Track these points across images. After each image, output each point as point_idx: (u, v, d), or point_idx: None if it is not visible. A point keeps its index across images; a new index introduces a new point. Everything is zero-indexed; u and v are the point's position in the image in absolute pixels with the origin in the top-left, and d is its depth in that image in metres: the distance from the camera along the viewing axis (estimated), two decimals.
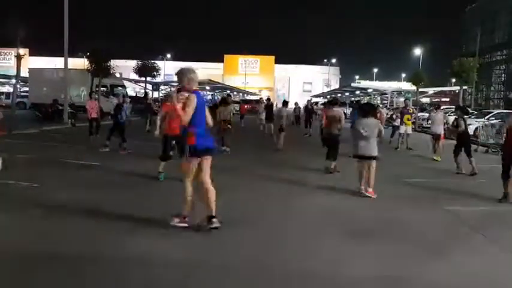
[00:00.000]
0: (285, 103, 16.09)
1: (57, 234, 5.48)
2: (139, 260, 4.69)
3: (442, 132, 13.90)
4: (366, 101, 40.82)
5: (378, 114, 20.97)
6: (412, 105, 24.23)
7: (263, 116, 15.11)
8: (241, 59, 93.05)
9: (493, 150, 15.49)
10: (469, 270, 4.80)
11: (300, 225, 6.25)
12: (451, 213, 7.13)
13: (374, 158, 8.18)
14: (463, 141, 10.99)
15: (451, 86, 54.11)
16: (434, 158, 13.37)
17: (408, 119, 16.46)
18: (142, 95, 34.11)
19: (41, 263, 4.58)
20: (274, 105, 23.97)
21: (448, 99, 64.02)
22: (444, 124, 14.26)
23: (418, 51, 60.24)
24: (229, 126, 13.63)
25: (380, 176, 10.31)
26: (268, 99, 23.52)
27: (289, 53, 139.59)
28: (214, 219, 5.57)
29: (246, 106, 39.65)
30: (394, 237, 5.77)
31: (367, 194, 8.01)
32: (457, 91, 35.97)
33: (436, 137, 13.88)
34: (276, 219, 6.52)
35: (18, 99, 31.68)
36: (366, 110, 8.76)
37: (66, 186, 8.10)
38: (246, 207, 7.05)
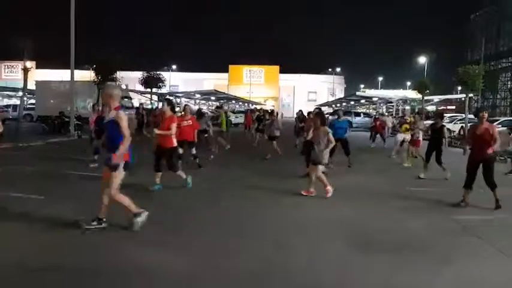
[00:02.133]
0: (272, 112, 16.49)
1: (60, 246, 5.48)
2: (141, 272, 4.66)
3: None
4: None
5: (378, 123, 20.89)
6: (416, 113, 24.14)
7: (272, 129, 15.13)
8: (246, 69, 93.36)
9: (500, 158, 15.38)
10: (477, 280, 4.74)
11: (303, 236, 6.21)
12: (458, 223, 7.06)
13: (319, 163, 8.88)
14: (435, 147, 11.27)
15: (456, 93, 54.01)
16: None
17: (406, 128, 16.53)
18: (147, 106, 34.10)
19: (44, 275, 4.57)
20: (279, 115, 23.72)
21: (454, 107, 63.84)
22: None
23: (422, 60, 60.28)
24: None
25: (385, 184, 10.32)
26: (272, 111, 23.13)
27: (293, 62, 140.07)
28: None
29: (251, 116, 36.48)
30: (401, 247, 5.71)
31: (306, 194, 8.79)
32: (462, 99, 35.82)
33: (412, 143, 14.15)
34: (275, 229, 6.49)
35: (25, 112, 31.86)
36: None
37: (71, 198, 8.09)
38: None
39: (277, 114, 16.98)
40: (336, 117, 14.16)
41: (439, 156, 11.32)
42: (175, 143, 8.99)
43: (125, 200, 6.09)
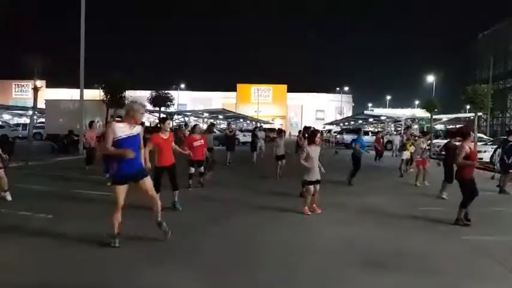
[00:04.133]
0: (280, 131, 16.52)
1: (68, 265, 5.46)
2: None
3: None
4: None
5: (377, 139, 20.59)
6: (422, 132, 24.10)
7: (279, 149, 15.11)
8: (253, 88, 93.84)
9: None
10: None
11: (311, 256, 6.14)
12: (469, 243, 6.96)
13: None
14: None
15: (465, 112, 53.78)
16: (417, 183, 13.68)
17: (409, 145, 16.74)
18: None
19: None
20: (286, 134, 23.83)
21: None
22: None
23: (431, 78, 60.30)
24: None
25: (395, 204, 10.23)
26: (280, 130, 22.93)
27: (301, 81, 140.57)
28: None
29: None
30: (412, 269, 5.62)
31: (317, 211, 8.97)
32: (471, 118, 35.68)
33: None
34: (281, 251, 6.43)
35: (35, 131, 32.12)
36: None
37: (79, 217, 8.09)
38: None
39: (284, 132, 16.96)
40: (356, 136, 14.83)
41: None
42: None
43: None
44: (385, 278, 5.29)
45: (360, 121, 62.17)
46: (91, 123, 16.66)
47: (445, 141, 16.98)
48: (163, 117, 10.60)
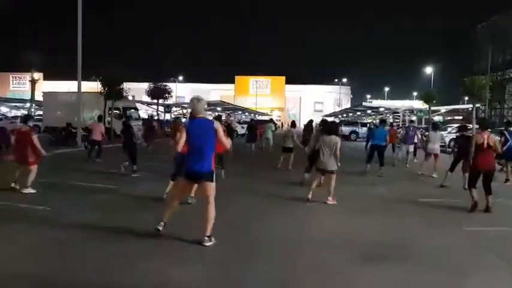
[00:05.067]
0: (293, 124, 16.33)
1: (67, 259, 5.43)
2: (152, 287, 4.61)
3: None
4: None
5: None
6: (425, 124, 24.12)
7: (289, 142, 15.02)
8: (252, 79, 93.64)
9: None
10: None
11: (313, 248, 6.13)
12: (471, 234, 6.97)
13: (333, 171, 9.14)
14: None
15: (464, 103, 53.76)
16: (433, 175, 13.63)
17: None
18: (153, 117, 34.03)
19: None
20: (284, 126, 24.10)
21: (461, 117, 63.52)
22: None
23: (429, 70, 60.19)
24: None
25: (394, 195, 10.23)
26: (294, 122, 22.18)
27: (299, 73, 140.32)
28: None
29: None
30: (414, 261, 5.62)
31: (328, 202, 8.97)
32: (470, 109, 35.67)
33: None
34: (288, 239, 6.42)
35: (33, 123, 31.96)
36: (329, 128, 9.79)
37: (78, 209, 8.08)
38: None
39: (287, 124, 17.04)
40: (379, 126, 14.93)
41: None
42: None
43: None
44: (386, 269, 5.28)
45: (359, 113, 62.18)
46: (100, 118, 17.13)
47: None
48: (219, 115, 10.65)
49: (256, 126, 24.10)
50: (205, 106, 6.43)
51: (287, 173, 13.98)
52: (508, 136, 13.27)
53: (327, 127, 10.01)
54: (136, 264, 5.23)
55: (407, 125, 23.52)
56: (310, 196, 9.10)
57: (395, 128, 25.10)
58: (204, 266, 5.32)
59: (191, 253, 5.69)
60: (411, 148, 17.41)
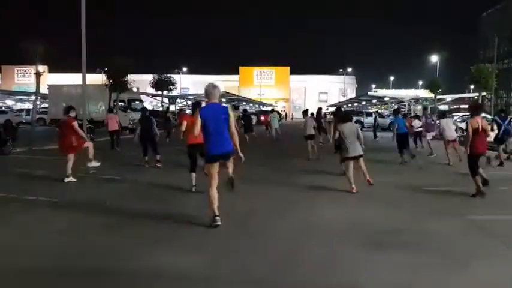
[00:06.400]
0: (306, 112, 16.50)
1: (76, 249, 5.48)
2: (160, 275, 4.64)
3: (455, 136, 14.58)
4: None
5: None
6: (430, 113, 24.03)
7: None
8: (256, 70, 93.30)
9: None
10: (494, 284, 4.65)
11: (318, 235, 6.15)
12: (475, 223, 6.95)
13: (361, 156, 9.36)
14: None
15: (469, 92, 53.44)
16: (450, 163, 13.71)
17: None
18: (164, 109, 33.79)
19: (60, 278, 4.57)
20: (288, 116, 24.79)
21: (467, 106, 63.11)
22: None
23: (435, 59, 59.79)
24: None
25: (398, 185, 10.19)
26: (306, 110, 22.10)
27: (304, 63, 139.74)
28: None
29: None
30: (417, 249, 5.61)
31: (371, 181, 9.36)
32: (475, 98, 35.46)
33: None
34: (295, 228, 6.43)
35: (38, 116, 32.11)
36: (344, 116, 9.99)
37: (85, 200, 8.14)
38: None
39: (292, 115, 17.36)
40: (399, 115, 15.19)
41: None
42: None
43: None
44: (390, 257, 5.29)
45: (364, 102, 61.99)
46: (111, 110, 18.21)
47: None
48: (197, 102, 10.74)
49: (250, 118, 25.26)
50: (220, 93, 6.62)
51: (317, 162, 14.33)
52: (499, 120, 13.91)
53: (342, 115, 10.23)
54: (143, 253, 5.26)
55: (424, 113, 23.63)
56: (354, 186, 9.06)
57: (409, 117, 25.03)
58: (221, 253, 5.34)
59: (197, 242, 5.71)
60: (429, 136, 17.43)
